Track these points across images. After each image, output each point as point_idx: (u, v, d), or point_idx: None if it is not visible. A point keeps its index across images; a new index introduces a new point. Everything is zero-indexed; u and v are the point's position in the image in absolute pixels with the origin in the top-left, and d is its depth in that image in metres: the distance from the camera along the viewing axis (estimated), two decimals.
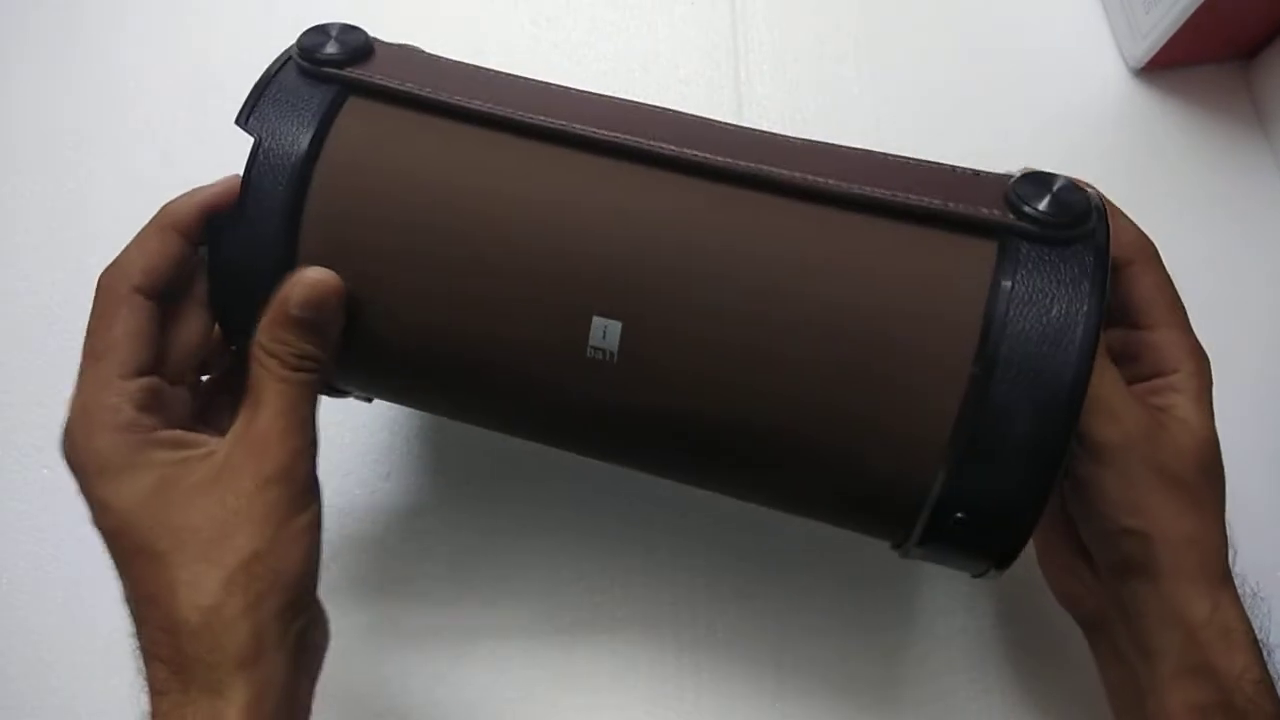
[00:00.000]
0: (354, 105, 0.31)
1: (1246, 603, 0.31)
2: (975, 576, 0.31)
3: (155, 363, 0.30)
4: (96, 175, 0.48)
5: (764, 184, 0.29)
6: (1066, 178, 0.29)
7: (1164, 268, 0.33)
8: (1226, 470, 0.32)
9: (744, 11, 0.52)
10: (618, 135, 0.30)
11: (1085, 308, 0.26)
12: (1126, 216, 0.32)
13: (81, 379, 0.29)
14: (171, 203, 0.31)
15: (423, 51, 0.35)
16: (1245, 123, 0.49)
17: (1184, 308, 0.33)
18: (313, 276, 0.29)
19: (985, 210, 0.28)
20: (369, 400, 0.39)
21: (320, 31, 0.32)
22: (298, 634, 0.29)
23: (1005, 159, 0.33)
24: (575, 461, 0.36)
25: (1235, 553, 0.32)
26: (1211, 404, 0.31)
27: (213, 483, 0.28)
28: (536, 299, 0.30)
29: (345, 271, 0.30)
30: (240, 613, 0.27)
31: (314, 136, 0.30)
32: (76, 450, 0.29)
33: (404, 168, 0.30)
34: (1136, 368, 0.32)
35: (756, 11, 0.52)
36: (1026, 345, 0.26)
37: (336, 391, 0.36)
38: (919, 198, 0.28)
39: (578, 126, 0.30)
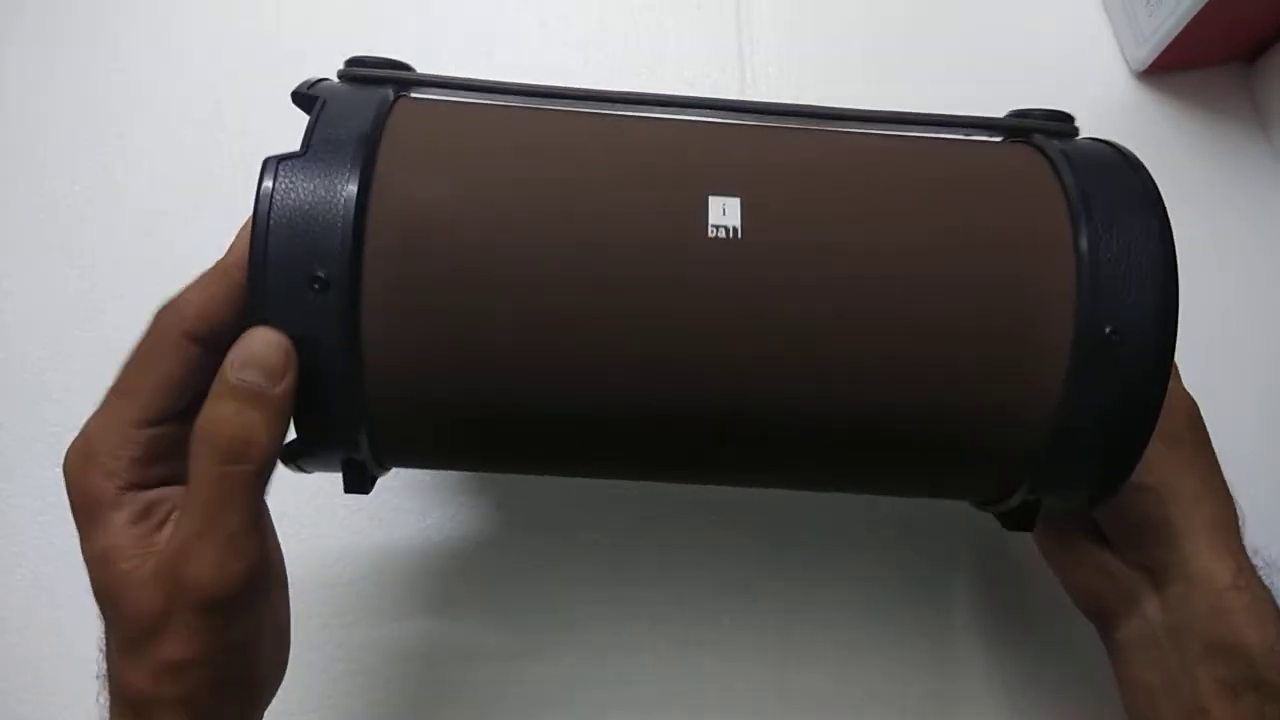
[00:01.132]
0: (408, 101, 0.30)
1: (1261, 573, 0.31)
2: (1092, 497, 0.30)
3: (185, 406, 0.27)
4: (121, 170, 0.48)
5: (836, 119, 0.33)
6: None
7: None
8: (1231, 465, 0.33)
9: (749, 15, 0.52)
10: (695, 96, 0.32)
11: (1134, 166, 0.30)
12: None
13: (101, 406, 0.28)
14: (240, 238, 0.28)
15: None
16: (1247, 125, 0.50)
17: None
18: (263, 333, 0.26)
19: (1008, 120, 0.33)
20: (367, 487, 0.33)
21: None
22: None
23: None
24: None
25: (1244, 518, 0.32)
26: (1181, 382, 0.34)
27: (146, 580, 0.26)
28: (650, 192, 0.28)
29: (429, 236, 0.27)
30: (174, 703, 0.26)
31: (376, 115, 0.28)
32: (69, 479, 0.27)
33: (479, 133, 0.30)
34: None
35: (761, 14, 0.52)
36: (1111, 204, 0.29)
37: (361, 475, 0.31)
38: (964, 118, 0.33)
39: (658, 94, 0.32)
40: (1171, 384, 0.32)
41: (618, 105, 0.31)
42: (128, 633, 0.26)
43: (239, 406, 0.26)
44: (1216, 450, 0.33)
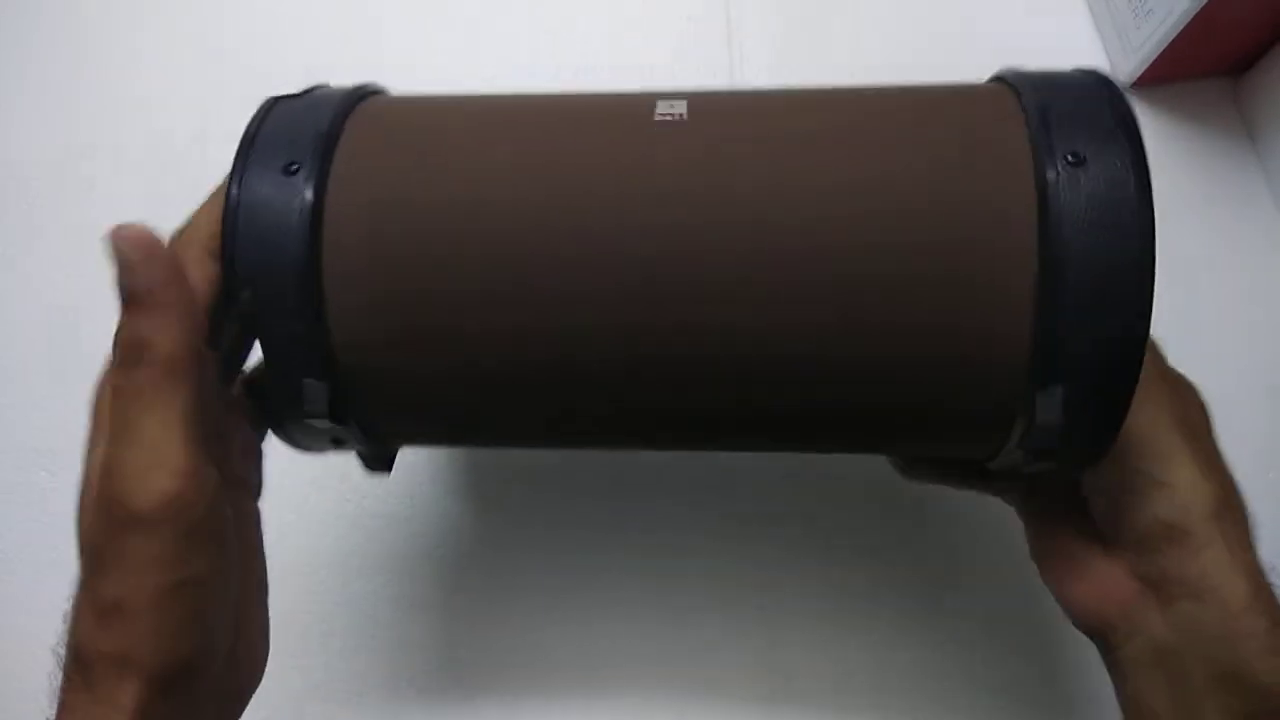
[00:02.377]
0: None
1: (1278, 592, 0.29)
2: (1085, 444, 0.28)
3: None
4: (103, 183, 0.48)
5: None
6: None
7: None
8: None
9: (739, 29, 0.52)
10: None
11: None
12: None
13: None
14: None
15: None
16: (1235, 137, 0.50)
17: None
18: (118, 236, 0.25)
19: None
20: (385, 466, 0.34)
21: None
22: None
23: None
24: (577, 463, 0.36)
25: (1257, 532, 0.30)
26: None
27: (89, 505, 0.25)
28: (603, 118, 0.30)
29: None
30: (115, 658, 0.24)
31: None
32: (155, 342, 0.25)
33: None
34: None
35: (752, 29, 0.52)
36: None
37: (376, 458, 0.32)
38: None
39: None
40: (1185, 377, 0.31)
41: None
42: (80, 572, 0.25)
43: (124, 312, 0.25)
44: None
